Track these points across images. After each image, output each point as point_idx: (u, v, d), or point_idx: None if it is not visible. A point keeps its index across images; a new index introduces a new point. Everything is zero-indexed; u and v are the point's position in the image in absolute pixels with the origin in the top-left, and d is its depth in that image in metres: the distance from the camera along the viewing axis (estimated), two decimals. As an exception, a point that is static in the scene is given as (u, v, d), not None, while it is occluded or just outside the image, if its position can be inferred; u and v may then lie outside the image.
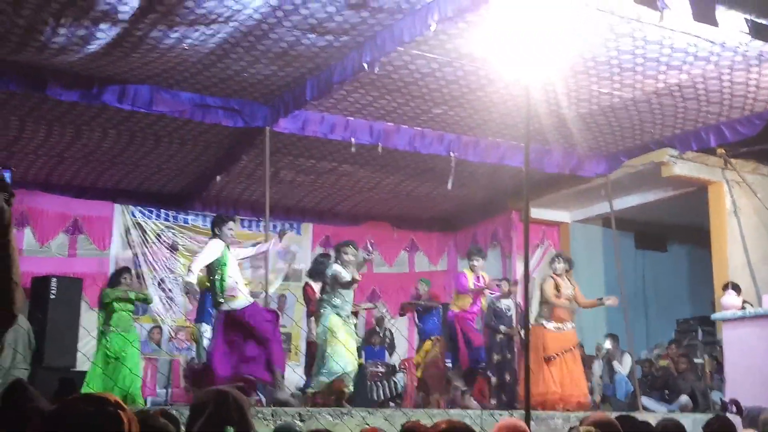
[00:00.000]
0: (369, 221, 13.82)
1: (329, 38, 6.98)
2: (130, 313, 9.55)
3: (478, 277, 9.75)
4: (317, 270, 9.39)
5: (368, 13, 6.51)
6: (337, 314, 8.35)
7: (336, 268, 8.44)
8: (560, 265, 9.52)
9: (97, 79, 7.72)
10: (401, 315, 11.80)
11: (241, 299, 7.71)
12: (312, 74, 7.78)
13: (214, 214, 12.37)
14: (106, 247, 12.12)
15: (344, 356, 8.13)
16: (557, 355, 9.19)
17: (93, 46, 6.88)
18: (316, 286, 9.19)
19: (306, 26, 6.73)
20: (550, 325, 9.29)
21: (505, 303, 10.39)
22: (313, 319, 9.12)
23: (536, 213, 12.24)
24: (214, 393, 3.04)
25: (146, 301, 10.12)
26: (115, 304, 9.38)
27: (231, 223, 7.89)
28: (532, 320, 9.04)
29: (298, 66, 7.63)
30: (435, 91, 8.16)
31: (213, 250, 7.65)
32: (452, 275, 9.55)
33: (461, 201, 12.90)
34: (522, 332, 9.26)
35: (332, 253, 9.49)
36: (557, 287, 9.36)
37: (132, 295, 9.51)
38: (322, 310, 8.45)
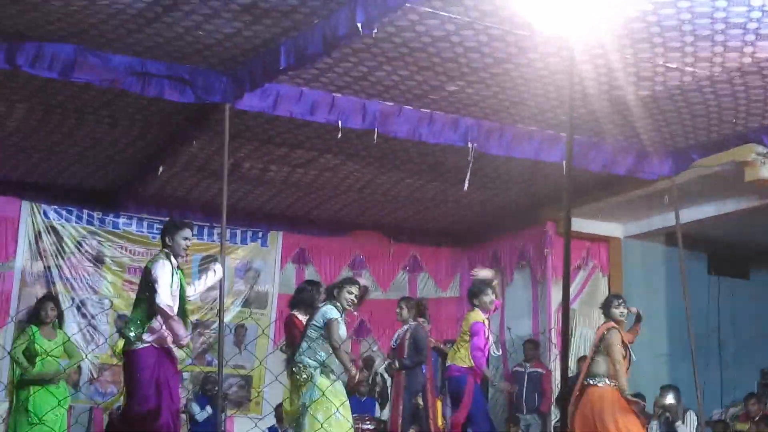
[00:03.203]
0: (357, 230, 13.85)
1: (312, -13, 7.01)
2: (57, 360, 9.34)
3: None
4: (304, 300, 9.30)
5: (365, -44, 6.54)
6: (325, 373, 8.37)
7: (332, 313, 8.36)
8: (622, 310, 8.98)
9: (4, 35, 7.72)
10: None
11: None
12: (288, 35, 7.77)
13: (155, 218, 12.53)
14: (9, 257, 12.11)
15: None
16: None
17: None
18: (303, 318, 9.10)
19: (282, -29, 6.75)
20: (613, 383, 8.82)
21: None
22: None
23: (578, 225, 12.25)
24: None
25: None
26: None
27: (187, 231, 7.73)
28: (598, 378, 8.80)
29: (270, 24, 7.63)
30: (449, 61, 8.16)
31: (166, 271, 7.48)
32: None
33: (479, 207, 12.92)
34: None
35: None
36: (623, 343, 8.78)
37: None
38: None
